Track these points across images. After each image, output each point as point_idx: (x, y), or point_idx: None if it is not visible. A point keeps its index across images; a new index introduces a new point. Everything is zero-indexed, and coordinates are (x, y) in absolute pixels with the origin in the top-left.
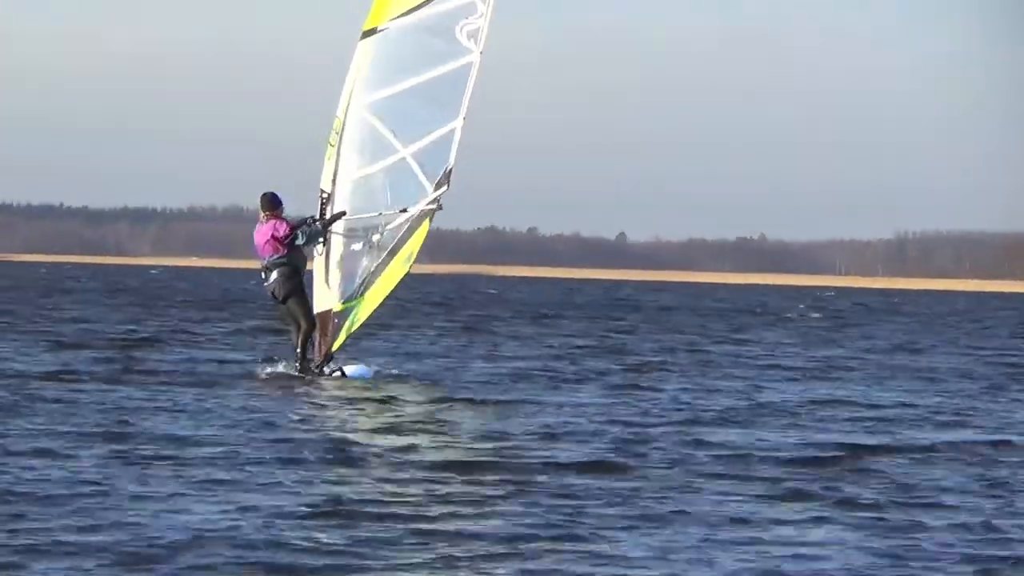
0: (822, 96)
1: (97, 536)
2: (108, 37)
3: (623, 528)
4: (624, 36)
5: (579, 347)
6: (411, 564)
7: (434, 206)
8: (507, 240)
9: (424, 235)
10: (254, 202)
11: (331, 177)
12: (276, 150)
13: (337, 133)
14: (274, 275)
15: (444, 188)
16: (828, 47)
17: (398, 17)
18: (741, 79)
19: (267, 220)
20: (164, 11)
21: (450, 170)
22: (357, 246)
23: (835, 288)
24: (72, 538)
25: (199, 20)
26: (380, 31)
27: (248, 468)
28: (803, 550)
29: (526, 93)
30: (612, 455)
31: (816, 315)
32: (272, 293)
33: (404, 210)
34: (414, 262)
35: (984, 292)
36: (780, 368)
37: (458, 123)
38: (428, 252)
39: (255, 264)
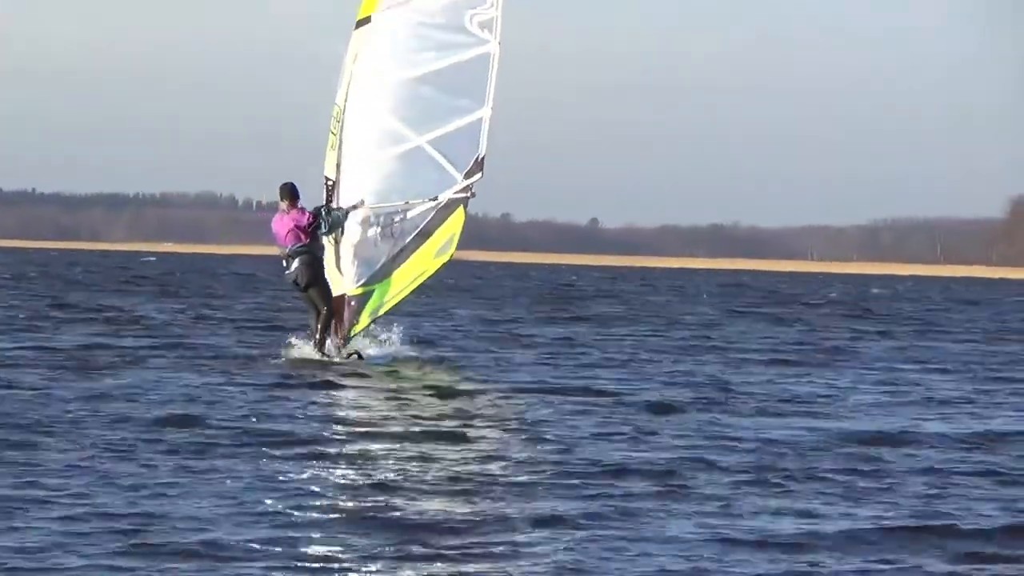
0: (795, 84)
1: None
2: (84, 27)
3: None
4: (596, 26)
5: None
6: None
7: (466, 194)
8: (481, 226)
9: (462, 221)
10: (226, 188)
11: (335, 164)
12: (248, 137)
13: (338, 121)
14: (296, 263)
15: (478, 175)
16: (799, 36)
17: (393, 7)
18: (715, 67)
19: (289, 210)
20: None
21: (482, 158)
22: (374, 232)
23: (811, 273)
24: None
25: (172, 12)
26: (374, 19)
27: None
28: None
29: (501, 82)
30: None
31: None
32: (294, 280)
33: (434, 199)
34: (451, 253)
35: (958, 277)
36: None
37: (486, 112)
38: None
39: (227, 250)
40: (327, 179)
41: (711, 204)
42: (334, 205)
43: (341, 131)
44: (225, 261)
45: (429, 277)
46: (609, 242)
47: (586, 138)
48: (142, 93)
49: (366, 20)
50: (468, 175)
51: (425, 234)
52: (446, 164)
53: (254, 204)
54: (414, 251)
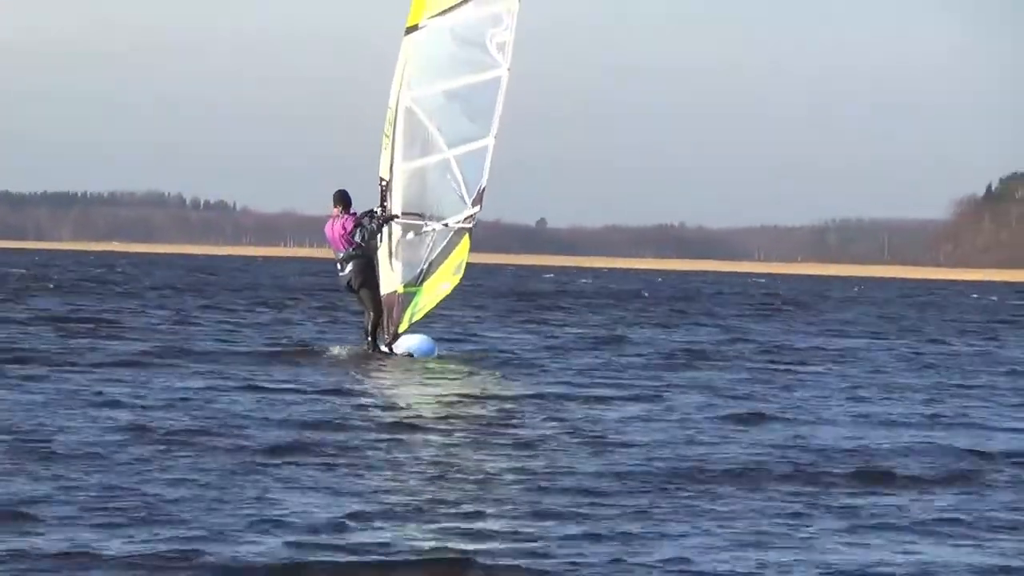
0: (741, 82)
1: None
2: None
3: None
4: (544, 25)
5: None
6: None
7: (469, 224)
8: None
9: (467, 248)
10: (174, 188)
11: (388, 165)
12: (196, 135)
13: (391, 124)
14: (349, 267)
15: (477, 208)
16: (741, 32)
17: (435, 16)
18: (658, 65)
19: (341, 216)
20: None
21: (483, 190)
22: (411, 236)
23: (763, 275)
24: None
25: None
26: (421, 27)
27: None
28: None
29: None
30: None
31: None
32: (348, 283)
33: (445, 224)
34: (463, 273)
35: (907, 279)
36: None
37: (490, 141)
38: None
39: (175, 249)
40: (381, 179)
41: (658, 205)
42: (387, 205)
43: (394, 133)
44: (179, 259)
45: (449, 292)
46: (556, 242)
47: (533, 139)
48: (90, 91)
49: (414, 28)
50: (473, 203)
51: (447, 251)
52: (463, 187)
53: (201, 203)
54: (441, 263)
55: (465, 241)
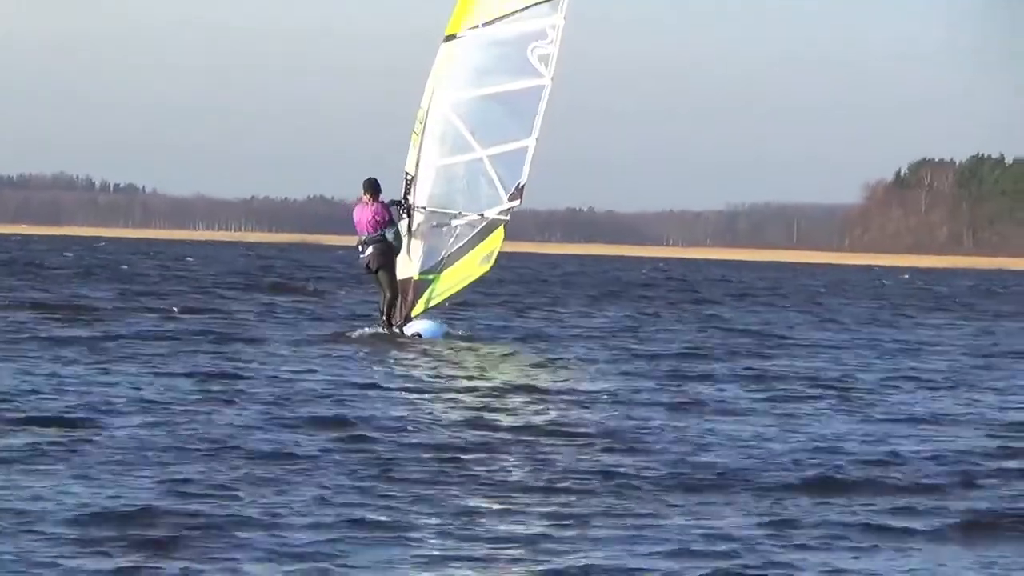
0: (651, 67)
1: None
2: None
3: None
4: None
5: None
6: None
7: (505, 217)
8: (336, 209)
9: (500, 239)
10: (83, 170)
11: (415, 161)
12: (104, 120)
13: (421, 123)
14: (370, 250)
15: (517, 202)
16: (656, 15)
17: (476, 27)
18: (568, 50)
19: (371, 203)
20: None
21: (522, 186)
22: (434, 227)
23: (666, 259)
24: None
25: None
26: (459, 37)
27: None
28: None
29: (360, 60)
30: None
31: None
32: (367, 265)
33: (481, 215)
34: (493, 263)
35: (817, 264)
36: None
37: (531, 142)
38: (263, 222)
39: (84, 231)
40: (407, 174)
41: (567, 188)
42: (411, 197)
43: (423, 132)
44: (92, 242)
45: (473, 282)
46: None
47: None
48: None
49: (452, 36)
50: (511, 198)
51: (474, 241)
52: (498, 183)
53: (111, 186)
54: (465, 254)
55: (499, 232)
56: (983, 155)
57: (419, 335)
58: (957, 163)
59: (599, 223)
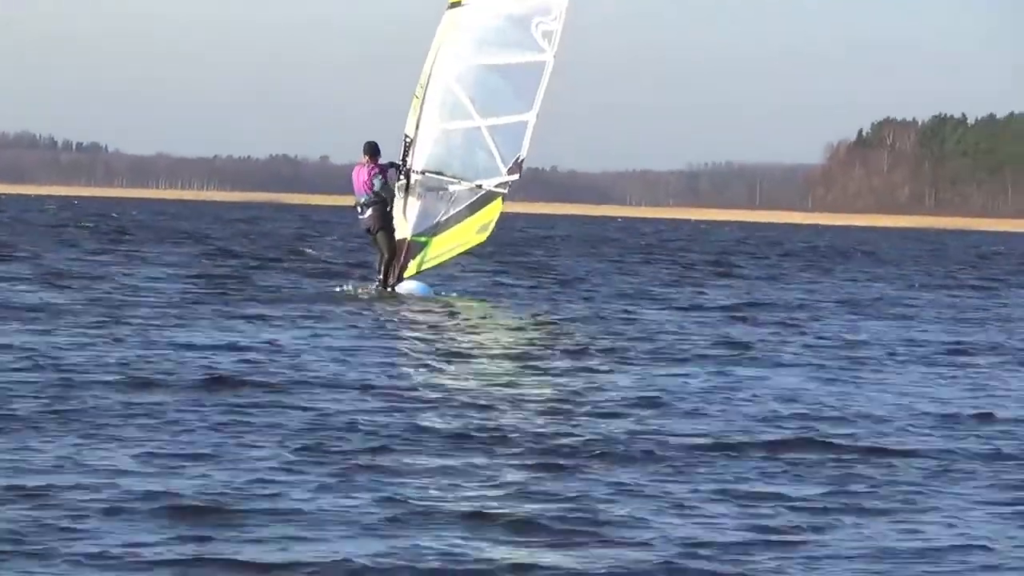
0: (613, 27)
1: None
2: None
3: None
4: None
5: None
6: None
7: (503, 190)
8: (300, 168)
9: (498, 211)
10: (46, 129)
11: (415, 124)
12: (66, 80)
13: (422, 87)
14: (369, 211)
15: (516, 176)
16: None
17: None
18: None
19: (368, 164)
20: None
21: (522, 160)
22: (433, 191)
23: (623, 218)
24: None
25: None
26: (464, 5)
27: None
28: None
29: (324, 15)
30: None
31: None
32: (367, 228)
33: (479, 186)
34: (489, 232)
35: (780, 223)
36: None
37: (531, 117)
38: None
39: (46, 190)
40: (406, 136)
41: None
42: (408, 160)
43: (424, 96)
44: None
45: (468, 249)
46: None
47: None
48: None
49: (457, 3)
50: (510, 171)
51: (471, 208)
52: (496, 153)
53: (73, 145)
54: (460, 220)
55: (496, 203)
56: (945, 115)
57: (412, 294)
58: (919, 123)
59: (562, 183)
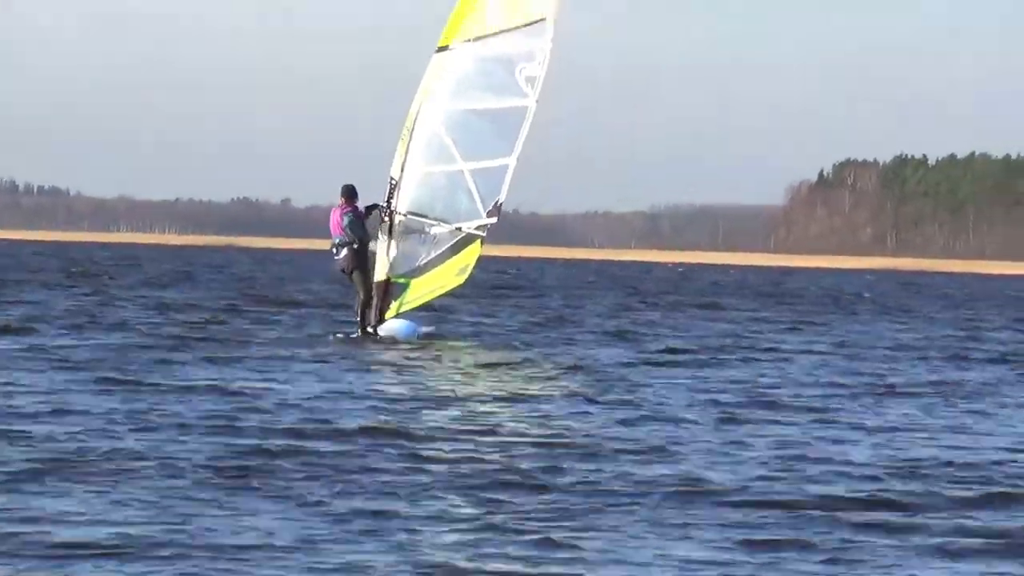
0: (573, 69)
1: None
2: None
3: None
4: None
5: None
6: None
7: (482, 233)
8: (261, 211)
9: (477, 253)
10: (7, 172)
11: (400, 166)
12: (27, 123)
13: (408, 130)
14: (344, 252)
15: (494, 219)
16: (574, 22)
17: (467, 41)
18: None
19: (343, 206)
20: None
21: (500, 204)
22: (415, 234)
23: (596, 261)
24: None
25: None
26: (451, 49)
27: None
28: None
29: (284, 62)
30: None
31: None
32: (342, 269)
33: (459, 228)
34: (469, 275)
35: (737, 265)
36: None
37: (511, 161)
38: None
39: (9, 235)
40: (392, 178)
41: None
42: (393, 201)
43: (410, 139)
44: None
45: (447, 291)
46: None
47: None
48: None
49: (445, 47)
50: (488, 214)
51: (452, 251)
52: (477, 196)
53: (35, 188)
54: (442, 263)
55: (475, 246)
56: (906, 155)
57: (393, 337)
58: (881, 163)
59: (524, 225)
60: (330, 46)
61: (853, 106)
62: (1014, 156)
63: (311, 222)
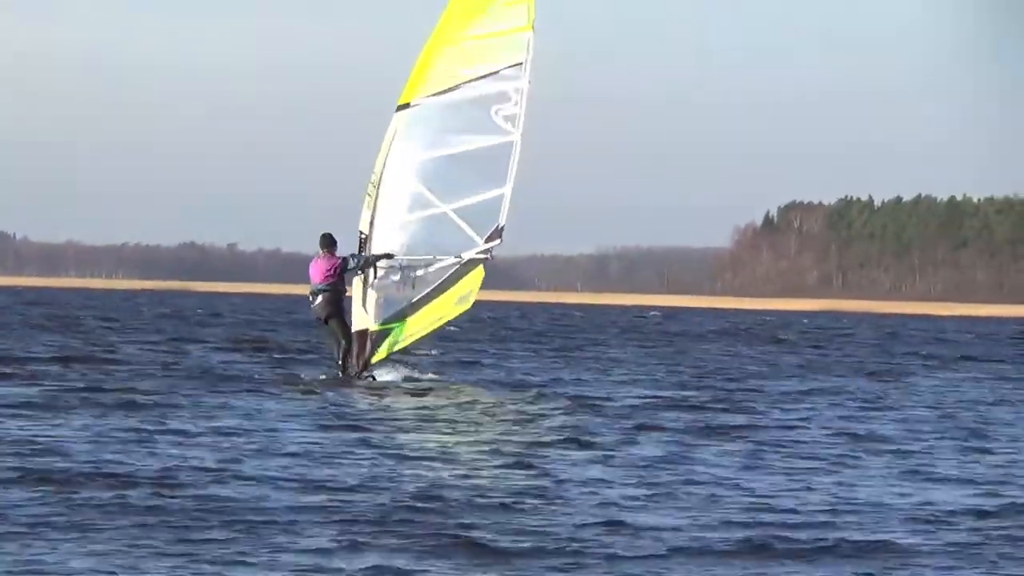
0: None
1: None
2: None
3: None
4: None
5: None
6: None
7: (485, 255)
8: (207, 255)
9: (480, 278)
10: None
11: (368, 221)
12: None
13: (374, 186)
14: (319, 299)
15: (497, 241)
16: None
17: (430, 96)
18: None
19: (325, 255)
20: None
21: (502, 228)
22: (395, 278)
23: (537, 304)
24: None
25: None
26: (413, 106)
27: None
28: None
29: (230, 101)
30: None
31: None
32: (318, 316)
33: (459, 257)
34: (470, 303)
35: (687, 308)
36: None
37: (507, 190)
38: (135, 269)
39: None
40: (361, 232)
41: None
42: (365, 254)
43: (376, 195)
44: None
45: (447, 322)
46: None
47: (312, 163)
48: None
49: (406, 105)
50: (488, 239)
51: (444, 286)
52: (468, 229)
53: (14, 235)
54: (433, 299)
55: (478, 271)
56: (852, 197)
57: (372, 377)
58: (826, 205)
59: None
60: (269, 85)
61: (799, 148)
62: (959, 198)
63: (256, 266)
